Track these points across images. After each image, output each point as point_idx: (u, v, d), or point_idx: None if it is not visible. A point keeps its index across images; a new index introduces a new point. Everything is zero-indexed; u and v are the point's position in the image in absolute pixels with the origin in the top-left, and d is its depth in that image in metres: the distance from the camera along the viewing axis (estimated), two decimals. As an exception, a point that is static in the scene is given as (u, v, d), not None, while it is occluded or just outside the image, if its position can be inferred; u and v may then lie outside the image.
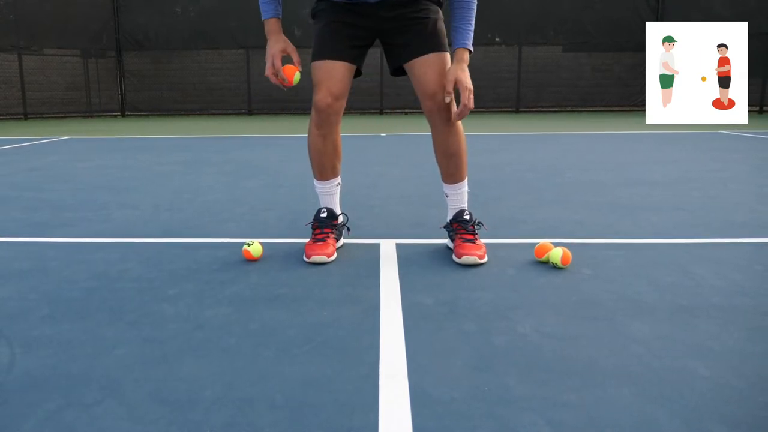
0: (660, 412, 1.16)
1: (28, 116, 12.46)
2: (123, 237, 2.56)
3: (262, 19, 2.13)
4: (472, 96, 2.00)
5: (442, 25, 2.15)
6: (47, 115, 12.75)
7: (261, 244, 2.21)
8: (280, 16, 2.17)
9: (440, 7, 2.16)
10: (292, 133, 8.22)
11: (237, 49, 13.49)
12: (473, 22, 2.05)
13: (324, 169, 2.25)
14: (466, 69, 2.04)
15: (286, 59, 2.14)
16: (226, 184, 3.93)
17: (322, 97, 2.11)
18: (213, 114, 13.65)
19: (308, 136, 2.22)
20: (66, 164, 5.06)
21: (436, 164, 2.27)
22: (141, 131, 9.06)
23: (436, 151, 2.23)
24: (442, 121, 2.12)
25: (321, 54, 2.13)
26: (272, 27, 2.14)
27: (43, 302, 1.78)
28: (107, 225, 2.78)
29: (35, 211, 3.11)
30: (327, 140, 2.19)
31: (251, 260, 2.17)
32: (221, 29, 13.38)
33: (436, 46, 2.09)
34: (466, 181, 2.27)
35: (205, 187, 3.81)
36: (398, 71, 2.22)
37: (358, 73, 2.21)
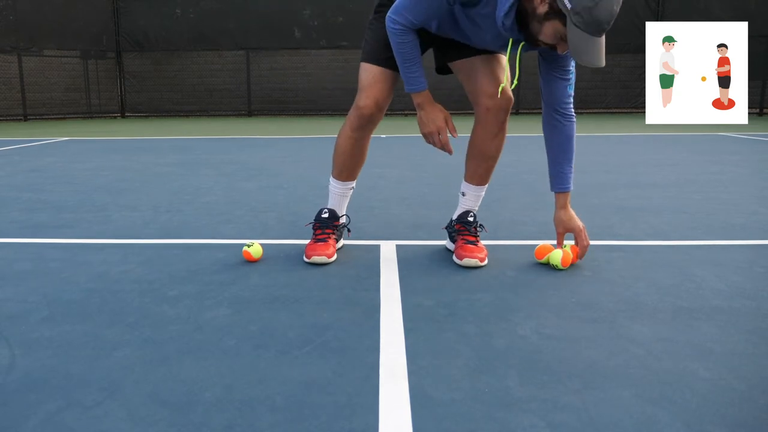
0: (661, 414, 1.16)
1: (28, 117, 12.47)
2: (123, 238, 2.55)
3: (416, 90, 2.00)
4: (585, 233, 2.11)
5: None
6: (47, 117, 12.75)
7: (261, 245, 2.20)
8: (427, 88, 2.04)
9: None
10: (291, 135, 8.23)
11: (237, 51, 13.50)
12: (574, 159, 2.09)
13: (344, 170, 2.25)
14: (572, 211, 2.13)
15: None
16: (226, 185, 3.93)
17: (368, 104, 2.08)
18: (213, 115, 13.66)
19: (339, 134, 2.20)
20: (66, 165, 5.06)
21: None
22: (141, 132, 9.06)
23: (472, 151, 2.21)
24: (496, 123, 2.11)
25: (375, 58, 2.07)
26: (428, 97, 2.03)
27: (43, 303, 1.78)
28: (107, 226, 2.78)
29: (35, 212, 3.10)
30: (357, 144, 2.18)
31: (251, 261, 2.16)
32: (221, 31, 13.39)
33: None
34: (487, 185, 2.27)
35: (205, 188, 3.81)
36: (443, 70, 2.20)
37: None
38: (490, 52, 2.07)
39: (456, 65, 2.14)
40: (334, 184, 2.29)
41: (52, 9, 12.51)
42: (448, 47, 2.12)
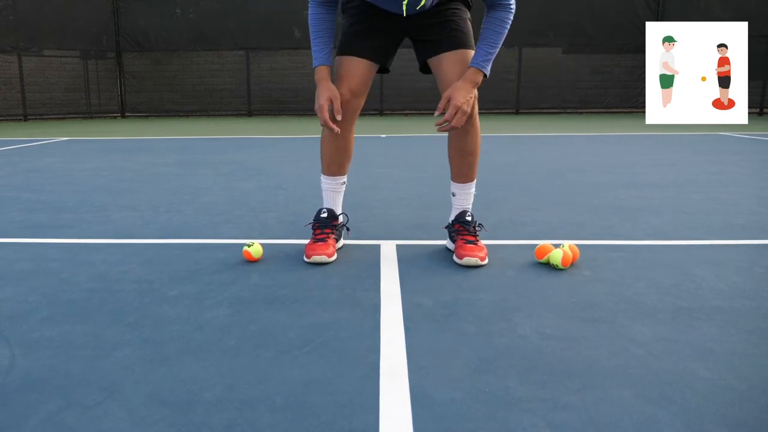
0: (661, 414, 1.16)
1: (28, 117, 12.47)
2: (123, 238, 2.55)
3: (314, 65, 2.10)
4: (461, 116, 2.00)
5: (469, 25, 2.16)
6: (47, 117, 12.75)
7: (261, 245, 2.20)
8: (330, 64, 2.13)
9: (469, 9, 2.18)
10: (291, 135, 8.22)
11: (237, 51, 13.51)
12: (498, 46, 2.03)
13: (330, 165, 2.26)
14: (470, 89, 2.02)
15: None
16: (226, 185, 3.93)
17: (342, 92, 2.12)
18: (212, 115, 13.66)
19: (323, 129, 2.22)
20: (65, 165, 5.06)
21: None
22: (140, 132, 9.06)
23: (450, 149, 2.23)
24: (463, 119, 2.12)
25: (345, 50, 2.14)
26: (322, 74, 2.09)
27: (43, 303, 1.78)
28: (107, 226, 2.78)
29: (35, 212, 3.10)
30: (338, 135, 2.20)
31: (251, 261, 2.16)
32: (221, 31, 13.40)
33: (462, 44, 2.10)
34: (475, 182, 2.27)
35: (205, 188, 3.81)
36: (426, 68, 2.22)
37: (385, 71, 2.24)
38: (454, 45, 2.09)
39: (430, 63, 2.17)
40: (324, 181, 2.30)
41: (52, 9, 12.51)
42: (421, 43, 2.16)
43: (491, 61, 2.03)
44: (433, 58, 2.14)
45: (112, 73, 13.63)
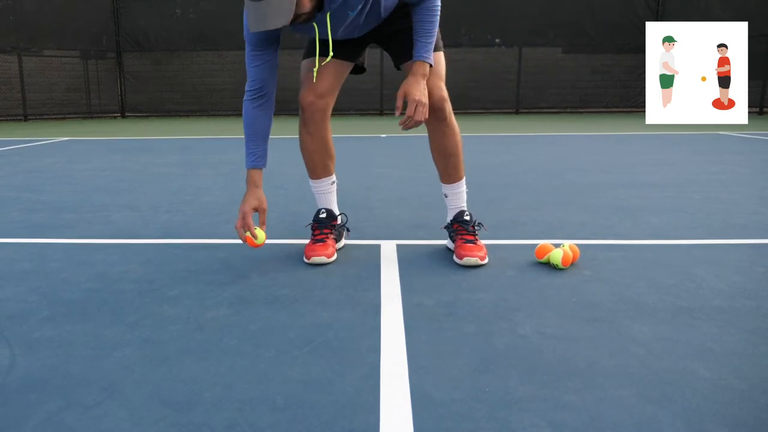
0: (661, 414, 1.16)
1: (28, 118, 12.46)
2: (123, 238, 2.55)
3: (245, 167, 2.06)
4: (422, 108, 1.95)
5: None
6: (47, 117, 12.74)
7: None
8: (263, 167, 2.07)
9: None
10: (291, 134, 8.22)
11: (237, 51, 13.48)
12: (434, 34, 2.00)
13: (315, 168, 2.26)
14: (421, 82, 1.98)
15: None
16: (226, 185, 3.93)
17: (304, 95, 2.13)
18: (213, 115, 13.66)
19: (298, 134, 2.22)
20: (65, 166, 5.06)
21: (434, 165, 2.27)
22: (141, 132, 9.06)
23: (433, 153, 2.23)
24: (438, 122, 2.12)
25: (309, 53, 2.13)
26: (251, 178, 2.05)
27: (44, 303, 1.78)
28: (107, 226, 2.78)
29: (35, 212, 3.10)
30: (314, 138, 2.20)
31: (254, 247, 2.10)
32: (221, 31, 13.37)
33: None
34: (464, 180, 2.27)
35: (205, 188, 3.81)
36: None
37: (361, 70, 2.23)
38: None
39: (403, 68, 2.14)
40: (313, 185, 2.30)
41: (52, 9, 12.50)
42: (390, 50, 2.16)
43: (432, 50, 2.00)
44: (402, 64, 2.13)
45: (112, 73, 13.62)
